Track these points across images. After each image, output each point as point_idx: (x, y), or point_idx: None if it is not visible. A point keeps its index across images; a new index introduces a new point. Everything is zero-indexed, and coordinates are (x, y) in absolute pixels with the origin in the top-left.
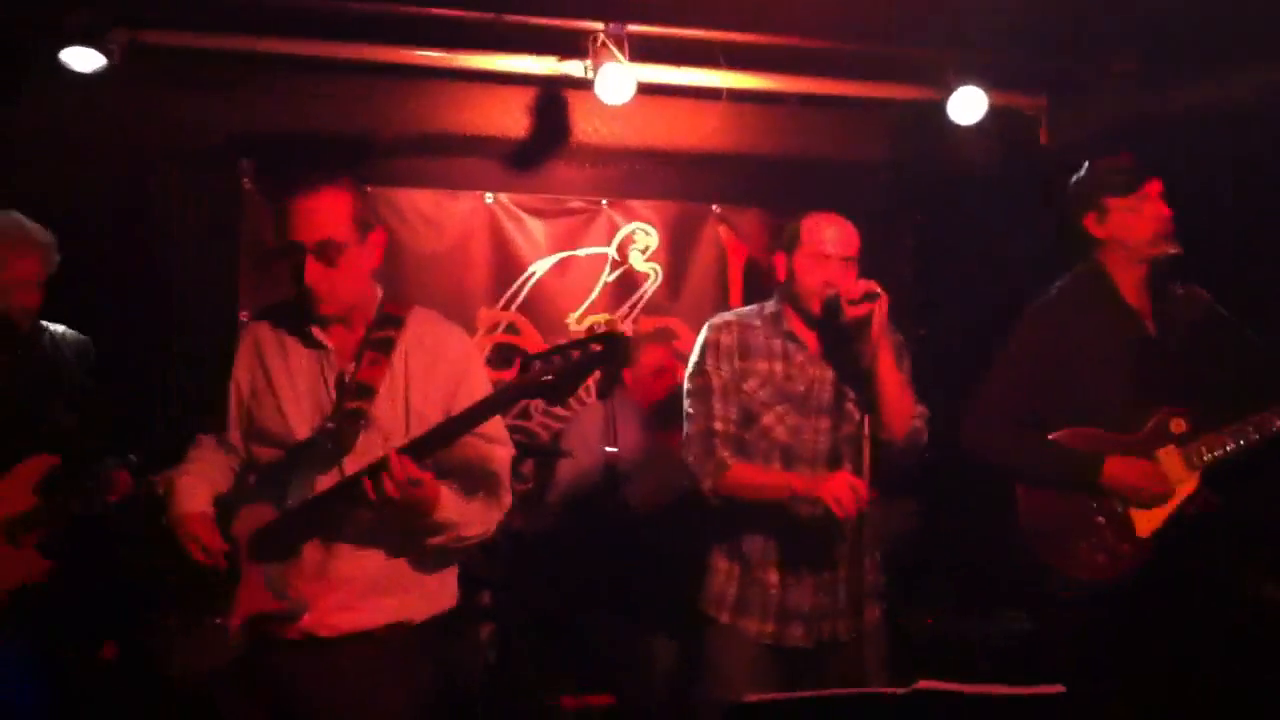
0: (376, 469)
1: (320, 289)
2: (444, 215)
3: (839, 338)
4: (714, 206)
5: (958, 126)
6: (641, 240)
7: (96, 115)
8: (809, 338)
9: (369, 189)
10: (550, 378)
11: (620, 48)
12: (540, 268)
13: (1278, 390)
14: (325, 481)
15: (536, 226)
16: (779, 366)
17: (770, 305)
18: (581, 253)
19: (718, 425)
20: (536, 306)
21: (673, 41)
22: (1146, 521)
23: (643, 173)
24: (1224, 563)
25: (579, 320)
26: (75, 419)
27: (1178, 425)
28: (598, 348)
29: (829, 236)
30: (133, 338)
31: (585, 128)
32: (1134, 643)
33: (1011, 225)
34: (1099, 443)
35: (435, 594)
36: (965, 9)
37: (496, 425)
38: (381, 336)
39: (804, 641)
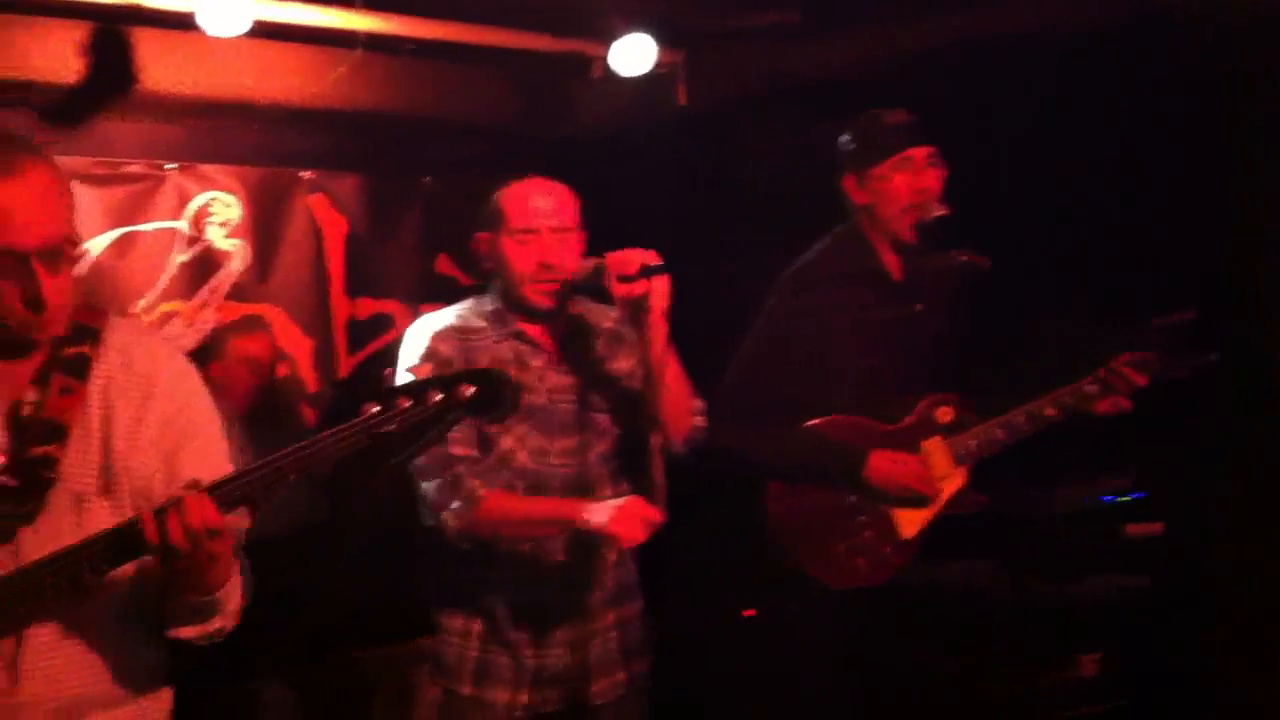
0: (163, 509)
1: (54, 306)
2: None
3: (579, 332)
4: (305, 173)
5: (590, 84)
6: (220, 212)
7: None
8: (541, 336)
9: None
10: (393, 428)
11: None
12: (95, 246)
13: (1053, 375)
14: None
15: (88, 196)
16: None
17: (489, 300)
18: (147, 228)
19: (457, 450)
20: (94, 293)
21: None
22: (910, 522)
23: (218, 132)
24: (987, 568)
25: (148, 309)
26: None
27: (944, 414)
28: (469, 390)
29: (537, 207)
30: None
31: (156, 74)
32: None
33: (649, 190)
34: (860, 433)
35: (149, 713)
36: None
37: None
38: (74, 355)
39: (560, 705)
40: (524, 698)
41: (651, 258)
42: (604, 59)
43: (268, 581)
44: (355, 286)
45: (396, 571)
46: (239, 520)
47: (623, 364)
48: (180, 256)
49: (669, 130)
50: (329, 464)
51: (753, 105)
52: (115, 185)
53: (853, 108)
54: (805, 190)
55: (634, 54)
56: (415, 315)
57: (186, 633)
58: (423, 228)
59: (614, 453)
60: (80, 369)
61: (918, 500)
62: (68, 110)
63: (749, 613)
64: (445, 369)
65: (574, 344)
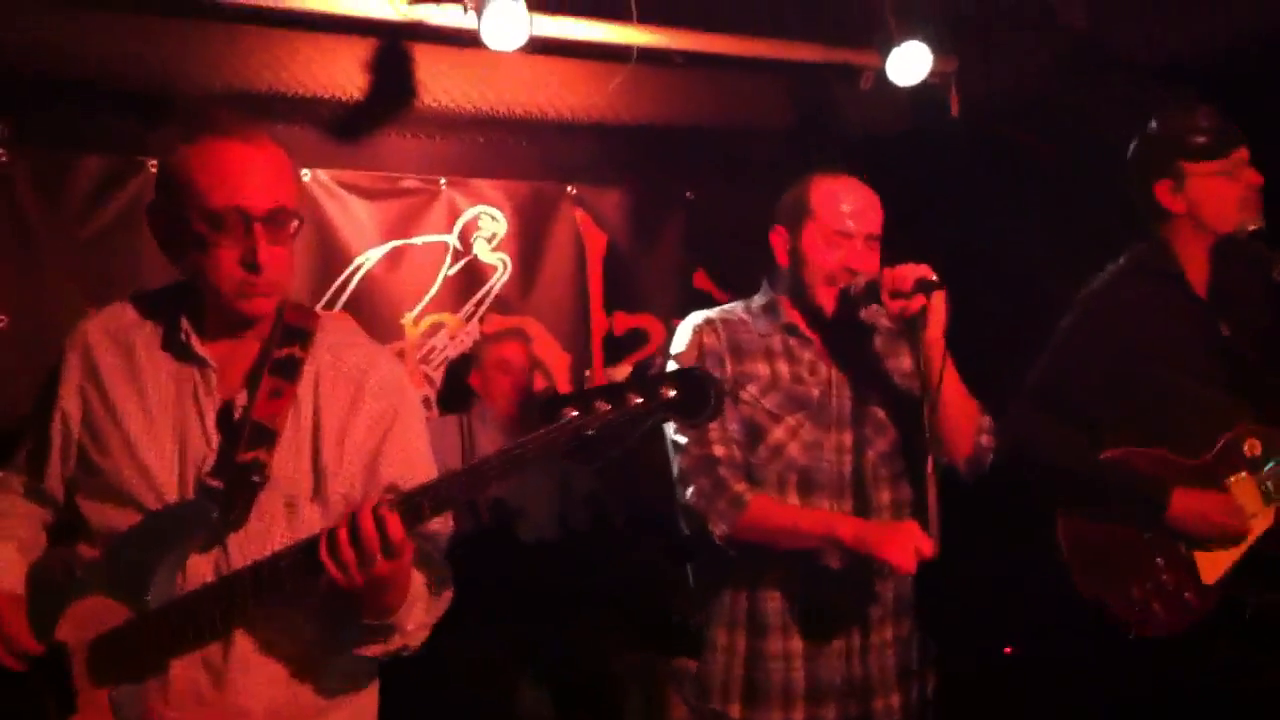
0: (334, 531)
1: (269, 273)
2: None
3: (854, 337)
4: (569, 187)
5: (858, 94)
6: (488, 226)
7: None
8: (812, 331)
9: (152, 162)
10: (591, 432)
11: None
12: (369, 258)
13: None
14: (203, 564)
15: (364, 209)
16: (783, 366)
17: (759, 298)
18: (418, 241)
19: (719, 451)
20: (366, 304)
21: None
22: (1212, 565)
23: (487, 146)
24: None
25: (416, 321)
26: None
27: (1252, 447)
28: (670, 392)
29: (851, 207)
30: None
31: (434, 89)
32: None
33: (921, 203)
34: (1162, 467)
35: (359, 714)
36: None
37: None
38: (285, 355)
39: None
40: (798, 715)
41: (927, 273)
42: (873, 69)
43: (529, 585)
44: (612, 301)
45: (656, 581)
46: (442, 525)
47: (904, 362)
48: (448, 270)
49: (941, 141)
50: (517, 472)
51: (1028, 112)
52: (391, 199)
53: (1138, 106)
54: (1088, 197)
55: (909, 62)
56: (670, 330)
57: (371, 652)
58: (681, 242)
59: (894, 453)
60: (291, 371)
61: (1226, 542)
62: (349, 124)
63: (1008, 650)
64: (711, 361)
65: (848, 339)
